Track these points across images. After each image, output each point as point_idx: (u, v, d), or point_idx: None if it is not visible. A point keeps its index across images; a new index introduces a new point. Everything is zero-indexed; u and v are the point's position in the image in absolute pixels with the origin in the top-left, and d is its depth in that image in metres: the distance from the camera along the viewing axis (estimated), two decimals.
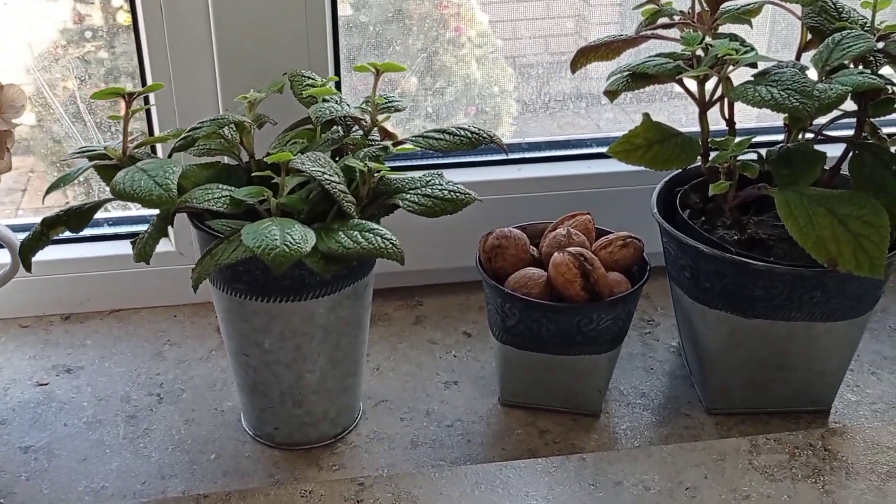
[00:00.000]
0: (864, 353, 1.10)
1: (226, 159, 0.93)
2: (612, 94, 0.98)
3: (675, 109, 1.34)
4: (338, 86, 1.11)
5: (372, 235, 0.80)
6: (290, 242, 0.75)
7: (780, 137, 0.99)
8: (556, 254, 0.95)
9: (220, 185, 0.83)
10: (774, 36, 1.33)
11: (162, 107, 1.07)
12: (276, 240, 0.74)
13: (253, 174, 0.85)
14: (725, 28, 0.97)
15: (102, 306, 1.17)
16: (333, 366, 0.92)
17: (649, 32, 1.00)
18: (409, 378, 1.06)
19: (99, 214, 1.15)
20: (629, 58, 1.00)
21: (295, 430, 0.95)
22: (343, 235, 0.79)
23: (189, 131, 0.86)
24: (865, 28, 0.95)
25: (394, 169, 1.14)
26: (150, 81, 1.06)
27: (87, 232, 1.15)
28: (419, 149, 0.92)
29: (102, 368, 1.08)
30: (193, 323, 1.15)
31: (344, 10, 1.17)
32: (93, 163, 0.85)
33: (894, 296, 1.20)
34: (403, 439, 0.98)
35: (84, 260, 1.14)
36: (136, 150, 0.89)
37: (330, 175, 0.81)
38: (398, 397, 1.03)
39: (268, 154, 0.87)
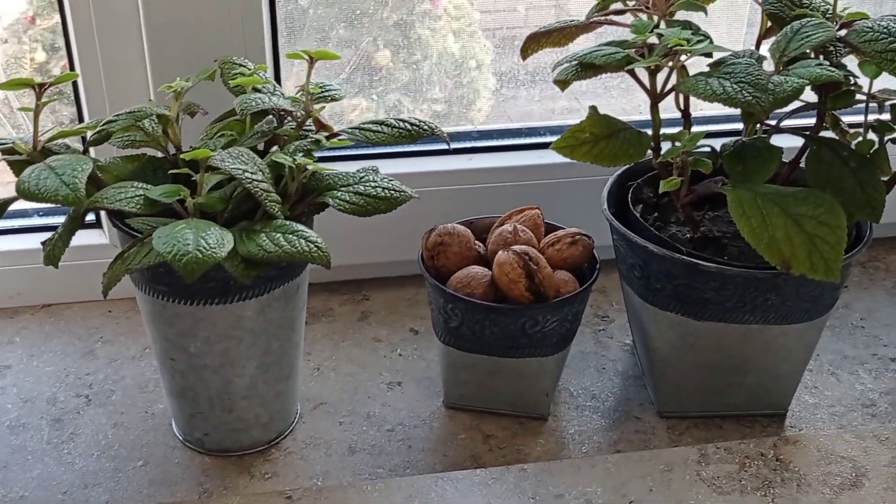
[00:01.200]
0: (823, 352, 1.06)
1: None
2: (562, 84, 0.93)
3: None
4: (276, 72, 1.05)
5: (295, 238, 0.75)
6: (204, 248, 0.70)
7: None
8: (500, 252, 0.90)
9: (135, 184, 0.77)
10: (749, 20, 1.28)
11: (92, 94, 1.01)
12: (189, 244, 0.70)
13: (170, 171, 0.80)
14: (689, 15, 0.93)
15: (34, 301, 1.12)
16: (265, 370, 0.88)
17: (602, 18, 0.95)
18: (351, 379, 1.02)
19: (28, 205, 1.11)
20: (584, 43, 0.95)
21: (226, 437, 0.91)
22: (265, 238, 0.75)
23: (104, 124, 0.81)
24: (827, 15, 0.90)
25: (336, 159, 1.11)
26: (77, 67, 1.00)
27: (16, 223, 1.11)
28: (354, 142, 0.87)
29: (30, 368, 1.03)
30: (129, 318, 1.10)
31: None
32: (2, 157, 0.80)
33: (857, 291, 1.16)
34: (341, 445, 0.93)
35: (14, 252, 1.09)
36: (53, 143, 0.84)
37: (252, 173, 0.76)
38: (338, 400, 0.99)
39: (191, 148, 0.82)
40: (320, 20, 1.15)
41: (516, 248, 0.90)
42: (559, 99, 1.27)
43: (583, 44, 0.96)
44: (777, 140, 0.90)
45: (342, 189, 0.82)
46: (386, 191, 0.82)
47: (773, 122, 0.94)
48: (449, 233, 0.94)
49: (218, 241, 0.71)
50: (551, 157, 1.13)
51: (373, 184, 0.82)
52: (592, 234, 0.96)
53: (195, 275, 0.69)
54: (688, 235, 0.92)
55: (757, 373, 0.93)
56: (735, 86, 0.80)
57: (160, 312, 0.84)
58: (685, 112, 0.92)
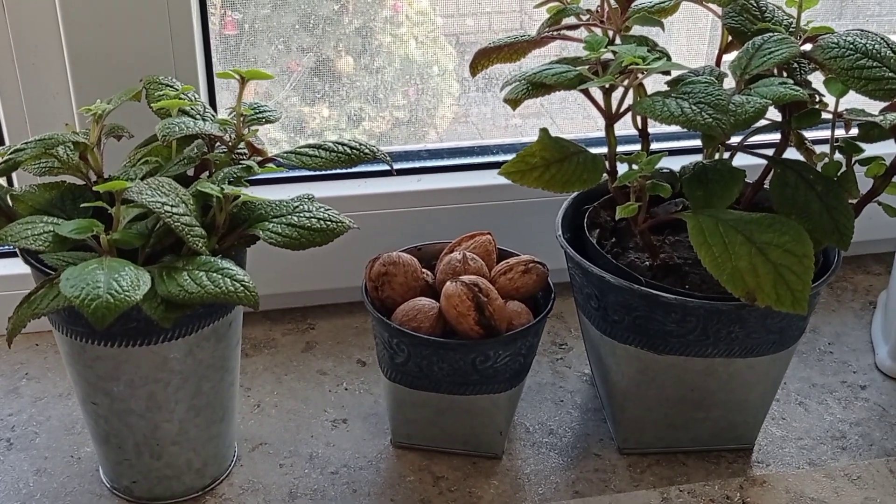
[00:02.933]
0: (791, 380, 1.01)
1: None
2: (513, 103, 0.88)
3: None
4: (210, 91, 0.99)
5: (220, 277, 0.69)
6: (116, 291, 0.64)
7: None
8: (448, 283, 0.85)
9: (45, 218, 0.71)
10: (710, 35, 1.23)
11: (11, 117, 0.95)
12: (100, 287, 0.63)
13: (83, 205, 0.74)
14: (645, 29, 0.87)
15: None
16: (195, 413, 0.82)
17: (554, 33, 0.89)
18: (293, 416, 0.96)
19: None
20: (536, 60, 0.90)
21: (155, 484, 0.85)
22: (186, 277, 0.68)
23: (11, 153, 0.74)
24: (791, 30, 0.86)
25: (276, 181, 1.05)
26: None
27: None
28: (289, 167, 0.81)
29: None
30: (57, 353, 1.03)
31: None
32: None
33: (824, 314, 1.12)
34: (281, 490, 0.87)
35: None
36: None
37: (172, 206, 0.70)
38: (279, 440, 0.93)
39: (108, 178, 0.75)
40: (279, 27, 1.10)
41: (465, 278, 0.84)
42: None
43: (540, 59, 0.91)
44: (741, 158, 0.85)
45: (274, 220, 0.76)
46: (322, 221, 0.76)
47: (736, 139, 0.89)
48: (394, 262, 0.88)
49: (132, 282, 0.65)
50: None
51: (307, 214, 0.77)
52: (549, 258, 0.91)
53: (106, 321, 0.63)
54: (647, 263, 0.87)
55: (721, 407, 0.88)
56: (694, 107, 0.75)
57: (79, 354, 0.77)
58: (643, 132, 0.87)
